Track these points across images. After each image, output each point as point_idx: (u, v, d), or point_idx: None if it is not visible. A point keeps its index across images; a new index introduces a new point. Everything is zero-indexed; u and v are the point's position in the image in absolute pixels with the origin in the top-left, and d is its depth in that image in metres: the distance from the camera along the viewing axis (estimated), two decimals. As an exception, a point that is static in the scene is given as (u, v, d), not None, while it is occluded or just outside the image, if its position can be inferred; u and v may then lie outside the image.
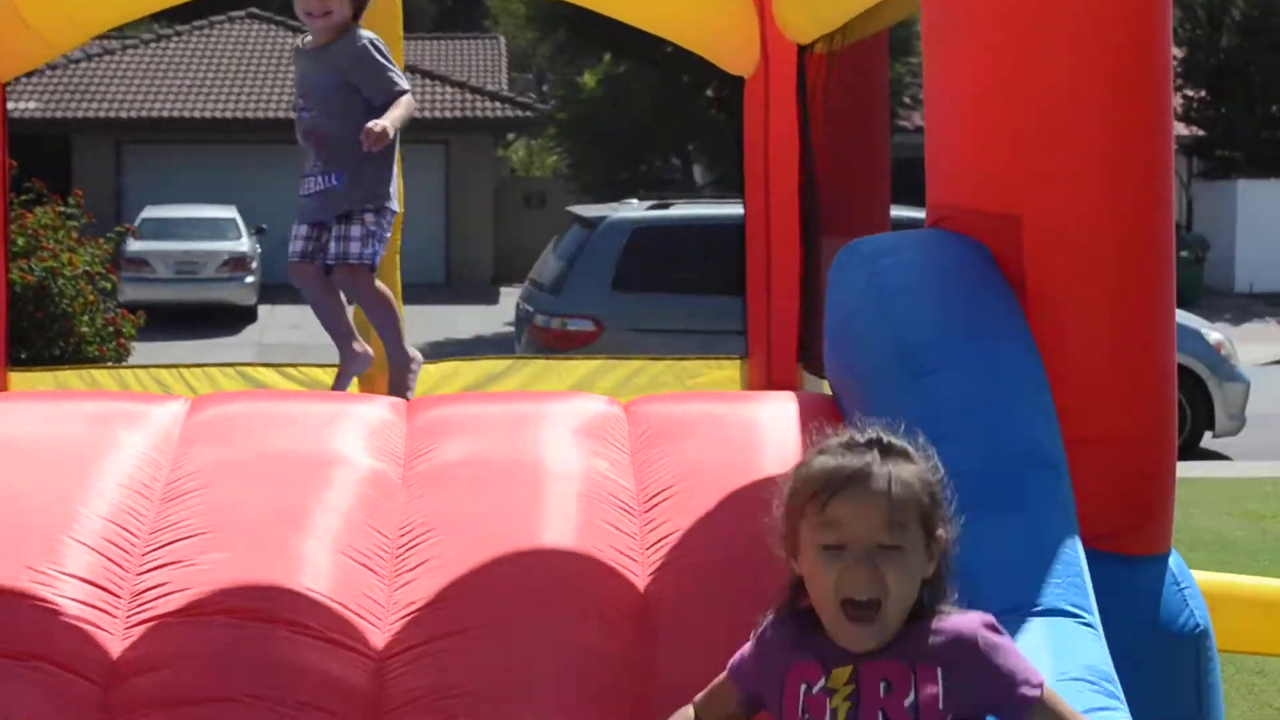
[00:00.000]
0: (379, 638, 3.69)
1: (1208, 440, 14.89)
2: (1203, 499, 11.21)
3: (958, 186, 4.27)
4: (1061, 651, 3.29)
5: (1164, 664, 4.12)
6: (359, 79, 6.25)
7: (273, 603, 3.65)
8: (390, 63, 6.35)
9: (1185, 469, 13.17)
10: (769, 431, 4.19)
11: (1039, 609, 3.39)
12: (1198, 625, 4.22)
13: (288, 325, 25.12)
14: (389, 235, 6.48)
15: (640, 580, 3.84)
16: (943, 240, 4.20)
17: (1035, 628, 3.35)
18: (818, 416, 4.22)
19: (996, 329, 3.92)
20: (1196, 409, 14.67)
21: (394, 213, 6.45)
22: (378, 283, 6.45)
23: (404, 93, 6.24)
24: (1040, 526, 3.57)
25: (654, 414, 4.37)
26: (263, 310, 27.66)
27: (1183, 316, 15.45)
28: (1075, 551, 3.55)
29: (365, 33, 6.39)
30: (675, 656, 3.61)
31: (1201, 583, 5.12)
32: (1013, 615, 3.35)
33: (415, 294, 19.97)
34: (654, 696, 3.51)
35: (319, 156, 6.32)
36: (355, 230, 6.31)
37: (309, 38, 6.48)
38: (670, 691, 3.43)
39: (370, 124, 6.02)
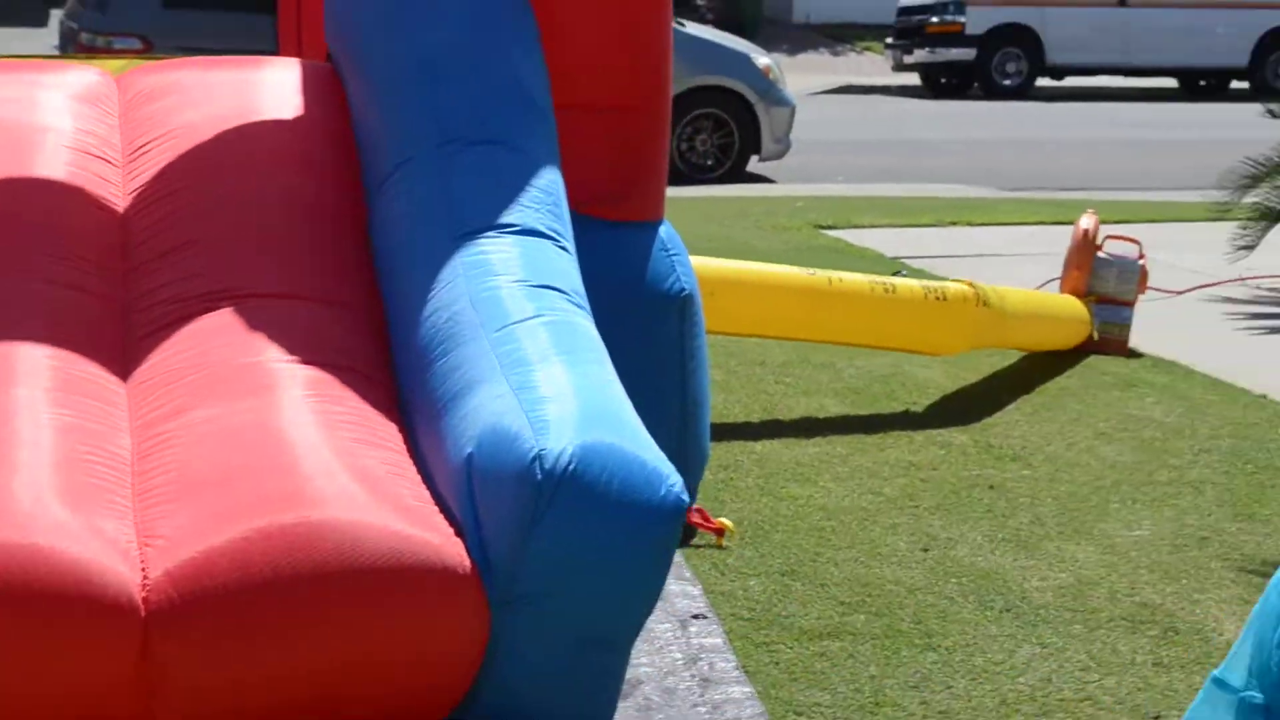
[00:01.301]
0: None
1: (754, 165, 15.26)
2: (738, 215, 11.56)
3: None
4: (533, 264, 3.46)
5: (649, 324, 4.33)
6: None
7: None
8: None
9: (728, 190, 13.66)
10: (265, 93, 4.20)
11: (516, 229, 3.57)
12: (684, 290, 4.42)
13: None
14: None
15: (119, 222, 3.87)
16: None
17: (510, 243, 3.52)
18: (318, 82, 4.25)
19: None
20: (744, 132, 14.97)
21: None
22: None
23: None
24: (522, 159, 3.74)
25: (146, 80, 4.35)
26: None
27: (732, 40, 15.77)
28: (556, 185, 3.73)
29: None
30: (173, 280, 3.70)
31: (703, 268, 5.34)
32: (490, 235, 3.52)
33: (-47, 12, 18.96)
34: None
35: None
36: None
37: None
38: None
39: None
